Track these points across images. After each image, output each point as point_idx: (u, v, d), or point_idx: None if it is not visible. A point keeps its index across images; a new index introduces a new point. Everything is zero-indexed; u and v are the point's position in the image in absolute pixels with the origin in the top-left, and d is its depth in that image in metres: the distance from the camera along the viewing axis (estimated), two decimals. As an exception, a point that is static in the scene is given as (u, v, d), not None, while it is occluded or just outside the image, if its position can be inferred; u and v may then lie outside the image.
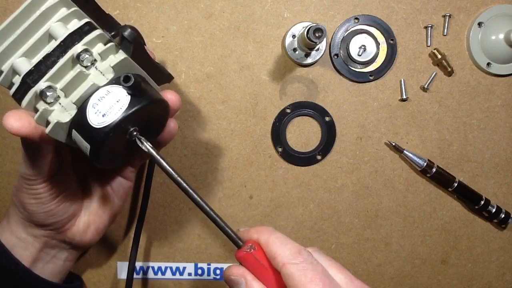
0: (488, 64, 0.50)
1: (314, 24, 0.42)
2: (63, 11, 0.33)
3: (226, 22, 0.49)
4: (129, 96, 0.31)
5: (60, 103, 0.32)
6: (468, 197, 0.50)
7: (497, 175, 0.51)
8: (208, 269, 0.51)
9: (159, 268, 0.50)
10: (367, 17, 0.49)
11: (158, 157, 0.32)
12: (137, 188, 0.50)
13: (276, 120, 0.50)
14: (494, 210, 0.50)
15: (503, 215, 0.50)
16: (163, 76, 0.39)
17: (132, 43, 0.33)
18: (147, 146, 0.32)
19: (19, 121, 0.30)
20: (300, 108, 0.50)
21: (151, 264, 0.50)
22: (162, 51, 0.49)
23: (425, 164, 0.49)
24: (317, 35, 0.42)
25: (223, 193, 0.50)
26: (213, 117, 0.49)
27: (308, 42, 0.43)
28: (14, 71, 0.32)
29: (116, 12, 0.48)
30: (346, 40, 0.49)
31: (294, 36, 0.48)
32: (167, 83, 0.40)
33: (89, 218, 0.41)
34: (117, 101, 0.31)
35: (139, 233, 0.47)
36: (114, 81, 0.32)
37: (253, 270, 0.32)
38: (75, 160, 0.40)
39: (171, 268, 0.50)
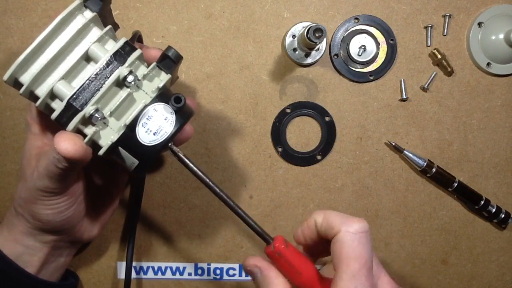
0: (488, 64, 0.50)
1: (314, 24, 0.42)
2: (94, 31, 0.33)
3: (226, 22, 0.49)
4: (174, 113, 0.33)
5: (107, 125, 0.32)
6: (468, 197, 0.50)
7: (497, 175, 0.51)
8: (208, 269, 0.51)
9: (159, 268, 0.50)
10: (367, 17, 0.49)
11: (190, 163, 0.34)
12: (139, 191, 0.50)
13: (276, 120, 0.50)
14: (494, 210, 0.50)
15: (503, 215, 0.50)
16: (175, 79, 0.41)
17: (177, 63, 0.34)
18: (178, 154, 0.34)
19: (74, 145, 0.30)
20: (300, 108, 0.50)
21: (151, 264, 0.50)
22: (162, 51, 0.49)
23: (425, 164, 0.49)
24: (317, 35, 0.42)
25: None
26: (213, 117, 0.49)
27: (308, 42, 0.43)
28: (53, 95, 0.32)
29: (116, 12, 0.48)
30: (346, 40, 0.49)
31: (294, 36, 0.48)
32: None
33: (95, 216, 0.42)
34: (165, 119, 0.33)
35: (134, 232, 0.47)
36: (158, 99, 0.33)
37: (279, 266, 0.33)
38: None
39: (171, 268, 0.50)
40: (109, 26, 0.33)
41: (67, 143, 0.30)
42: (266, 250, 0.34)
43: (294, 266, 0.32)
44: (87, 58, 0.32)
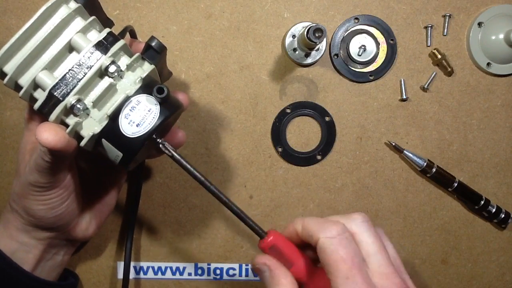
0: (488, 64, 0.50)
1: (314, 24, 0.42)
2: (78, 21, 0.32)
3: (226, 22, 0.49)
4: (158, 105, 0.32)
5: (90, 115, 0.32)
6: (468, 197, 0.50)
7: (497, 175, 0.51)
8: (208, 269, 0.51)
9: (159, 268, 0.50)
10: (367, 17, 0.49)
11: (181, 158, 0.34)
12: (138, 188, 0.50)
13: (276, 120, 0.50)
14: (494, 210, 0.50)
15: (503, 215, 0.50)
16: (167, 75, 0.40)
17: (160, 53, 0.34)
18: (169, 150, 0.34)
19: (55, 135, 0.30)
20: (300, 108, 0.50)
21: (151, 264, 0.50)
22: (162, 51, 0.49)
23: (425, 164, 0.49)
24: (317, 35, 0.42)
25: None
26: (213, 117, 0.49)
27: (308, 42, 0.43)
28: (36, 85, 0.32)
29: (116, 12, 0.48)
30: (346, 40, 0.49)
31: (294, 36, 0.48)
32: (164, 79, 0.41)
33: (91, 214, 0.42)
34: (149, 111, 0.32)
35: (132, 230, 0.47)
36: (142, 90, 0.32)
37: (277, 257, 0.33)
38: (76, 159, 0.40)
39: (171, 268, 0.50)
40: (92, 17, 0.33)
41: (48, 133, 0.30)
42: (261, 245, 0.34)
43: (286, 259, 0.33)
44: (71, 48, 0.32)
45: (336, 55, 0.49)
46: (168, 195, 0.50)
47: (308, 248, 0.34)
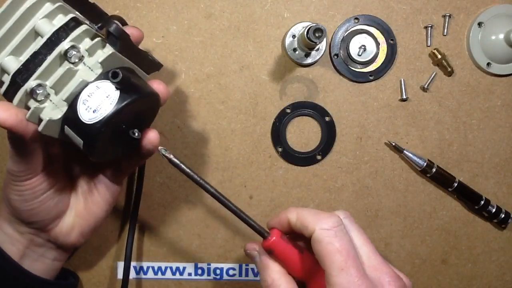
0: (488, 64, 0.50)
1: (314, 24, 0.42)
2: (47, 7, 0.32)
3: (226, 22, 0.49)
4: (118, 91, 0.31)
5: (51, 100, 0.32)
6: (468, 197, 0.50)
7: (497, 175, 0.51)
8: (208, 269, 0.51)
9: (159, 268, 0.50)
10: (367, 17, 0.49)
11: (176, 160, 0.33)
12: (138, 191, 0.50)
13: (276, 120, 0.50)
14: (494, 210, 0.50)
15: (503, 215, 0.50)
16: (152, 64, 0.39)
17: (119, 38, 0.32)
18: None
19: (5, 111, 0.30)
20: (300, 108, 0.50)
21: (151, 264, 0.50)
22: (162, 51, 0.49)
23: (425, 164, 0.49)
24: (317, 35, 0.42)
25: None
26: (213, 117, 0.49)
27: (308, 42, 0.43)
28: (3, 70, 0.32)
29: (116, 12, 0.48)
30: (346, 40, 0.49)
31: (294, 36, 0.48)
32: (157, 71, 0.39)
33: (73, 220, 0.40)
34: (107, 97, 0.31)
35: (133, 231, 0.47)
36: (103, 77, 0.32)
37: (281, 256, 0.33)
38: (64, 158, 0.40)
39: (171, 268, 0.50)
40: (59, 3, 0.33)
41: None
42: (263, 244, 0.34)
43: (289, 260, 0.33)
44: (37, 34, 0.32)
45: (336, 55, 0.49)
46: (168, 195, 0.50)
47: (300, 238, 0.35)
